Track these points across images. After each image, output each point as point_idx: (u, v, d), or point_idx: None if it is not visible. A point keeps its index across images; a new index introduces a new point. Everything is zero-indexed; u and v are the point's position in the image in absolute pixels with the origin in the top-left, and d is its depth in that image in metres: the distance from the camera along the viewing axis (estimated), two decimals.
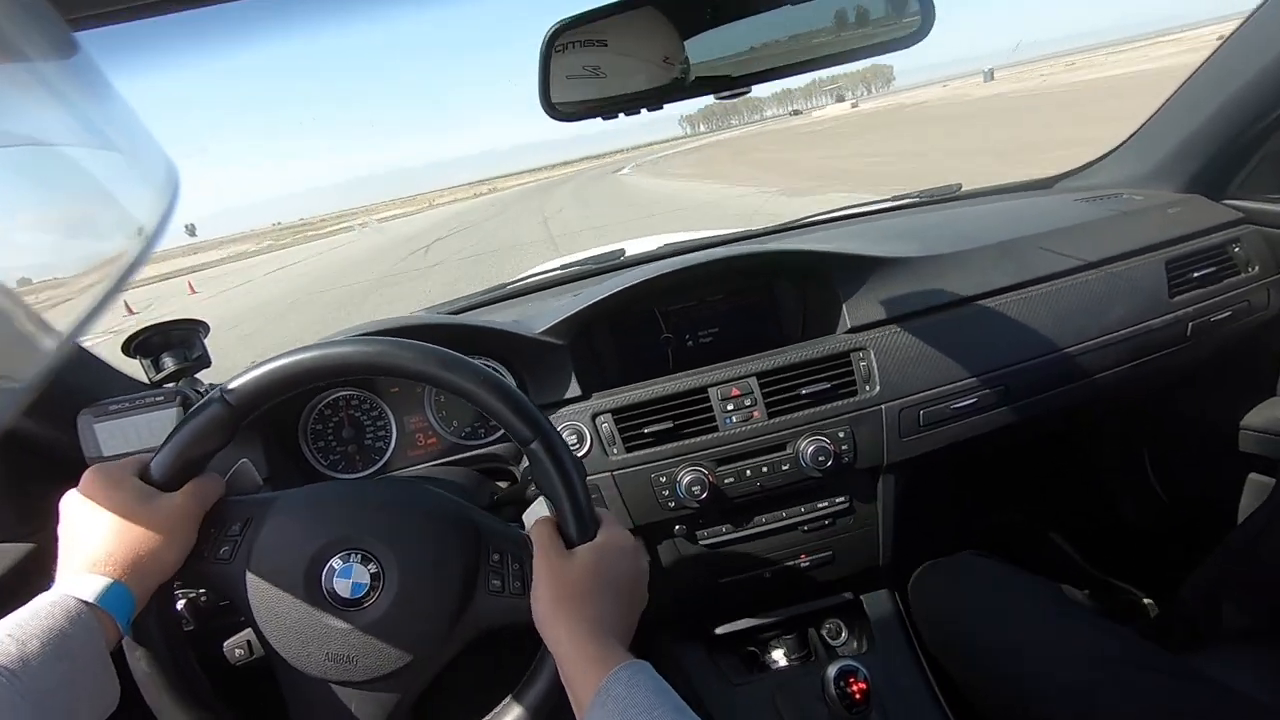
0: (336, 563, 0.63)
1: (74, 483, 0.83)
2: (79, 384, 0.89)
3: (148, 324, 0.92)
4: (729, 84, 0.67)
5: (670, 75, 0.67)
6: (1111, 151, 1.49)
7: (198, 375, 0.97)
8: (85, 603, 0.54)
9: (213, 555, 0.63)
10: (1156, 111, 1.36)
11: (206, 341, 0.97)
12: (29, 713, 0.47)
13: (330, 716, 0.63)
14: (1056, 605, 1.03)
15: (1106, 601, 1.51)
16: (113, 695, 0.54)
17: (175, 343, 0.94)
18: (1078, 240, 1.20)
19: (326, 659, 0.62)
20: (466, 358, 0.64)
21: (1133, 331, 1.15)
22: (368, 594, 0.62)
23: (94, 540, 0.57)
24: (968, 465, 1.42)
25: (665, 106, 0.68)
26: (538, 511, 0.68)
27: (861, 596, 1.22)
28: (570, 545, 0.63)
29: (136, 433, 0.85)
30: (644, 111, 0.68)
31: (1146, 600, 1.48)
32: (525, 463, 0.66)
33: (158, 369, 0.93)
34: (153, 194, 0.36)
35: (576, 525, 0.64)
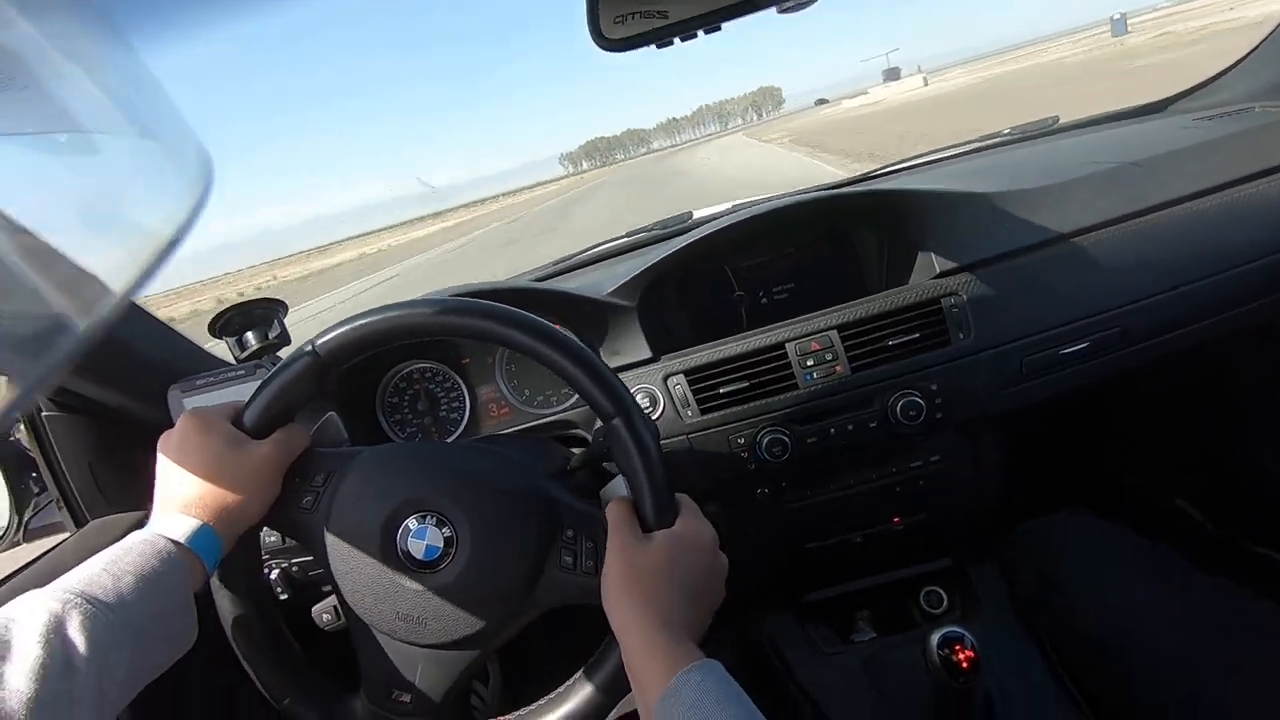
0: (412, 523, 0.62)
1: None
2: (170, 362, 0.93)
3: (229, 305, 0.95)
4: None
5: None
6: (1237, 63, 1.31)
7: (279, 353, 1.00)
8: (175, 542, 0.55)
9: (296, 504, 0.64)
10: None
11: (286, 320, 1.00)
12: (128, 643, 0.49)
13: (395, 672, 0.63)
14: (1177, 573, 0.93)
15: (1243, 568, 1.35)
16: (191, 634, 0.56)
17: (257, 321, 0.98)
18: (1199, 162, 1.06)
19: (397, 617, 0.61)
20: (554, 326, 0.62)
21: (1273, 260, 1.01)
22: (441, 557, 0.62)
23: (186, 482, 0.59)
24: (1080, 418, 1.30)
25: (723, 27, 0.63)
26: (615, 490, 0.65)
27: (963, 563, 1.13)
28: (646, 529, 0.61)
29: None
30: (700, 34, 0.63)
31: None
32: (599, 423, 0.63)
33: (241, 347, 0.96)
34: (188, 180, 0.36)
35: (654, 509, 0.61)
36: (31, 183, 0.35)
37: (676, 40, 0.65)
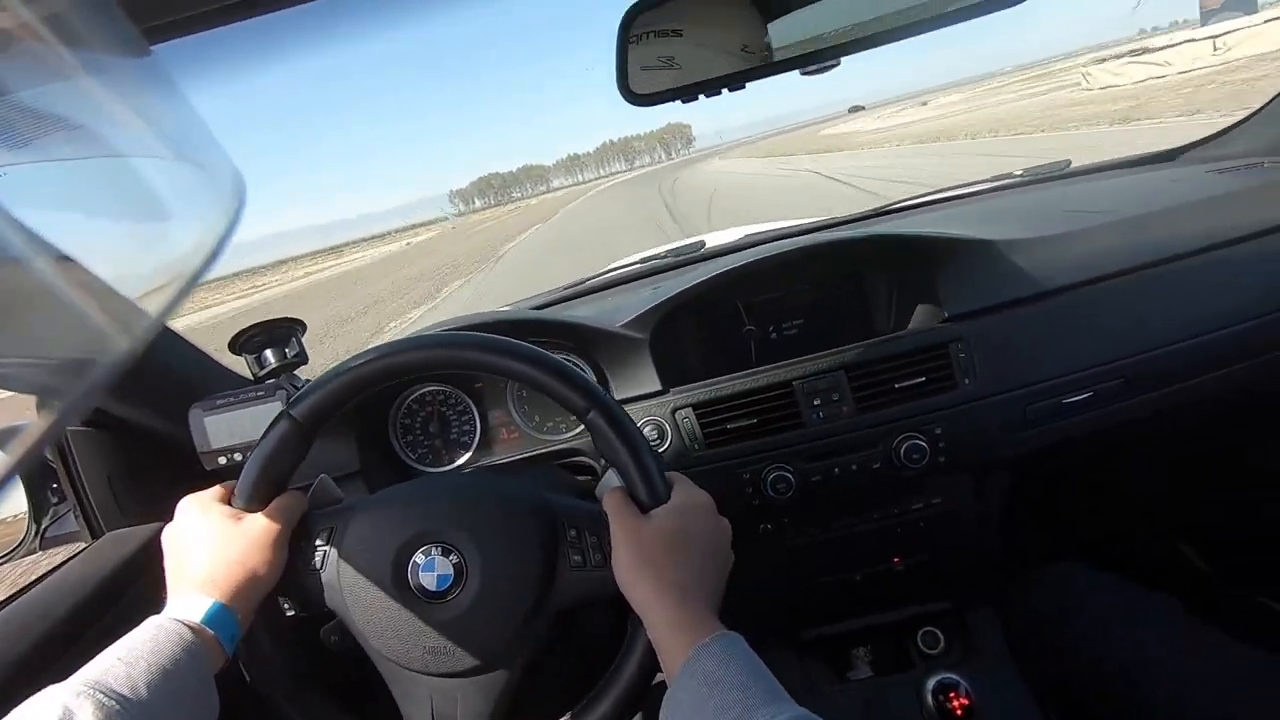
0: (420, 558, 0.64)
1: (189, 472, 0.89)
2: (192, 380, 0.95)
3: (249, 324, 0.97)
4: (814, 59, 0.63)
5: (752, 58, 0.64)
6: (1250, 117, 1.33)
7: (296, 372, 1.01)
8: (190, 624, 0.56)
9: (306, 568, 0.65)
10: None
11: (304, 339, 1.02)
12: None
13: (437, 708, 0.64)
14: (1182, 621, 0.93)
15: (1246, 621, 1.36)
16: (212, 714, 0.56)
17: (276, 340, 1.00)
18: (1211, 215, 1.08)
19: (426, 653, 0.63)
20: (514, 340, 0.64)
21: (1275, 317, 1.02)
22: (454, 584, 0.63)
23: (193, 565, 0.60)
24: (1084, 466, 1.30)
25: (747, 86, 0.65)
26: (609, 483, 0.67)
27: (962, 605, 1.14)
28: (644, 509, 0.62)
29: (240, 425, 0.90)
30: (725, 92, 0.65)
31: None
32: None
33: (260, 365, 0.98)
34: (222, 202, 0.37)
35: (646, 488, 0.63)
36: (68, 207, 0.36)
37: (701, 96, 0.67)
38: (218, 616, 0.58)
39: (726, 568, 0.63)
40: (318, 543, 0.66)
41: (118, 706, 0.48)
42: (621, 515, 0.62)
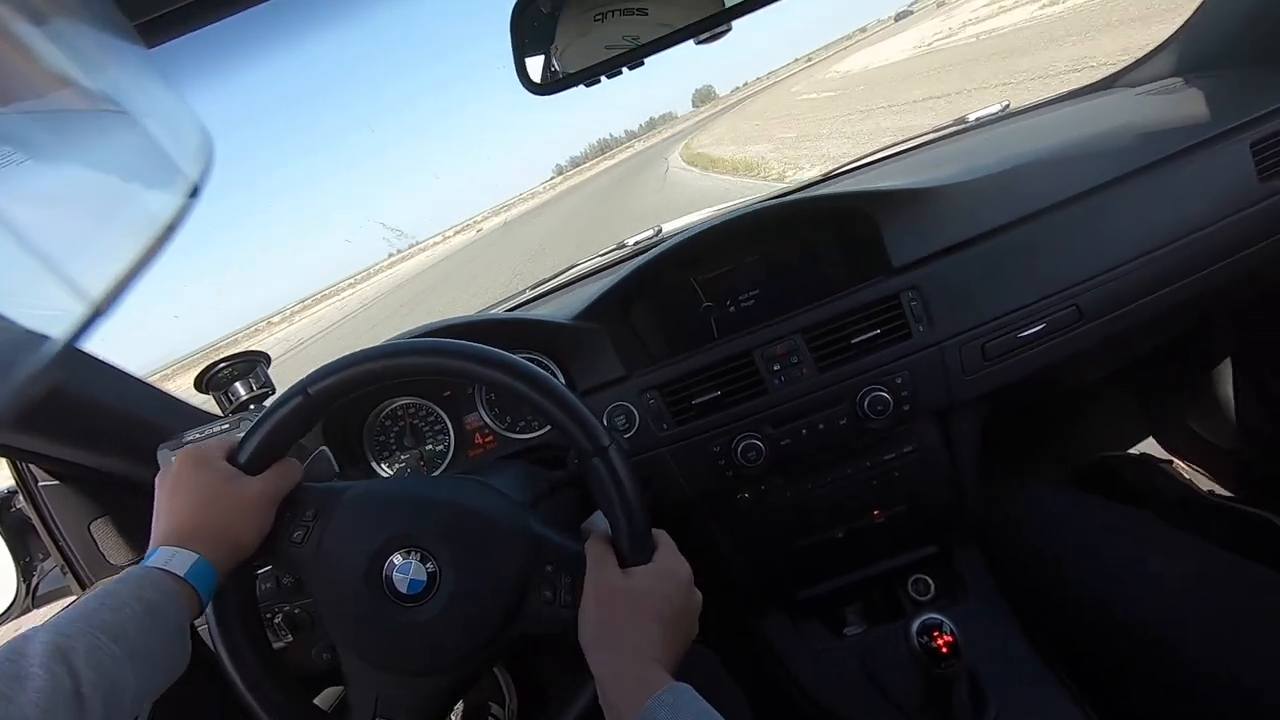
0: (397, 558, 0.65)
1: None
2: (159, 422, 0.96)
3: (212, 361, 0.98)
4: (706, 25, 0.64)
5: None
6: (1167, 41, 1.34)
7: (265, 404, 1.03)
8: (172, 575, 0.58)
9: (286, 538, 0.67)
10: None
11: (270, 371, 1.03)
12: (131, 672, 0.51)
13: (381, 699, 0.66)
14: (1162, 534, 0.95)
15: (1240, 532, 1.37)
16: (184, 661, 0.58)
17: (241, 374, 1.01)
18: (1147, 133, 1.09)
19: (381, 647, 0.64)
20: (531, 366, 0.66)
21: (1219, 226, 1.03)
22: (425, 591, 0.64)
23: (181, 516, 0.62)
24: (1052, 396, 1.32)
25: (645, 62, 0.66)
26: (595, 525, 0.68)
27: (947, 549, 1.16)
28: (624, 564, 0.64)
29: None
30: (625, 70, 0.67)
31: None
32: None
33: (230, 399, 1.00)
34: (190, 158, 0.36)
35: (630, 546, 0.64)
36: (19, 169, 0.33)
37: (603, 78, 0.68)
38: (200, 571, 0.59)
39: (689, 639, 0.64)
40: (305, 517, 0.67)
41: (106, 647, 0.50)
42: (600, 567, 0.63)
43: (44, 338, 0.28)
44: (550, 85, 0.67)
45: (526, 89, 0.66)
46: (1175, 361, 1.47)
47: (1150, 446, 1.61)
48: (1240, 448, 1.43)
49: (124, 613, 0.53)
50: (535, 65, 0.66)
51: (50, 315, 0.28)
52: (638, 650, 0.58)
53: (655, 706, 0.51)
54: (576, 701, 0.64)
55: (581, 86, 0.68)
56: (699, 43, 0.67)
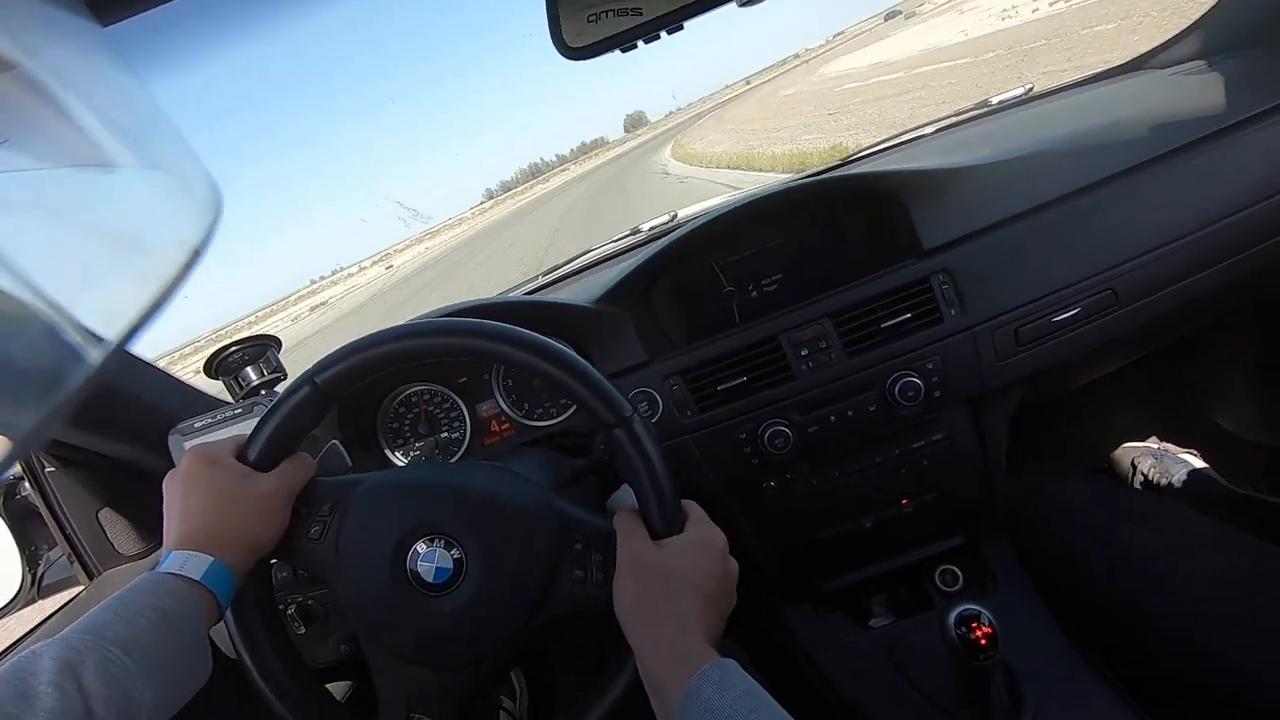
0: (421, 547, 0.63)
1: None
2: (167, 407, 0.93)
3: (221, 345, 0.95)
4: None
5: None
6: (1200, 20, 1.31)
7: (276, 389, 1.00)
8: (187, 580, 0.55)
9: (304, 535, 0.64)
10: None
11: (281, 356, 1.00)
12: (148, 685, 0.49)
13: (412, 694, 0.63)
14: (1195, 528, 0.93)
15: (1268, 525, 1.35)
16: (207, 670, 0.56)
17: (252, 358, 0.98)
18: (1180, 116, 1.06)
19: (409, 640, 0.62)
20: (547, 339, 0.63)
21: (1255, 210, 1.00)
22: (451, 579, 0.62)
23: (194, 519, 0.59)
24: (1086, 384, 1.29)
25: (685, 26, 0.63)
26: (622, 500, 0.66)
27: (976, 539, 1.13)
28: (655, 536, 0.61)
29: None
30: (664, 35, 0.63)
31: None
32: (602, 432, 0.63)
33: (241, 384, 0.97)
34: (198, 211, 0.36)
35: (662, 517, 0.62)
36: (34, 220, 0.34)
37: (640, 43, 0.65)
38: (217, 575, 0.57)
39: (728, 609, 0.61)
40: (321, 512, 0.65)
41: (118, 660, 0.48)
42: (631, 540, 0.60)
43: (90, 344, 0.28)
44: (586, 49, 0.63)
45: (561, 53, 0.63)
46: (1200, 353, 1.45)
47: (1170, 439, 1.59)
48: (1266, 441, 1.40)
49: (138, 623, 0.51)
50: (571, 28, 0.62)
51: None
52: (678, 624, 0.55)
53: (700, 682, 0.49)
54: (620, 677, 0.61)
55: (617, 51, 0.65)
56: (742, 4, 0.64)
